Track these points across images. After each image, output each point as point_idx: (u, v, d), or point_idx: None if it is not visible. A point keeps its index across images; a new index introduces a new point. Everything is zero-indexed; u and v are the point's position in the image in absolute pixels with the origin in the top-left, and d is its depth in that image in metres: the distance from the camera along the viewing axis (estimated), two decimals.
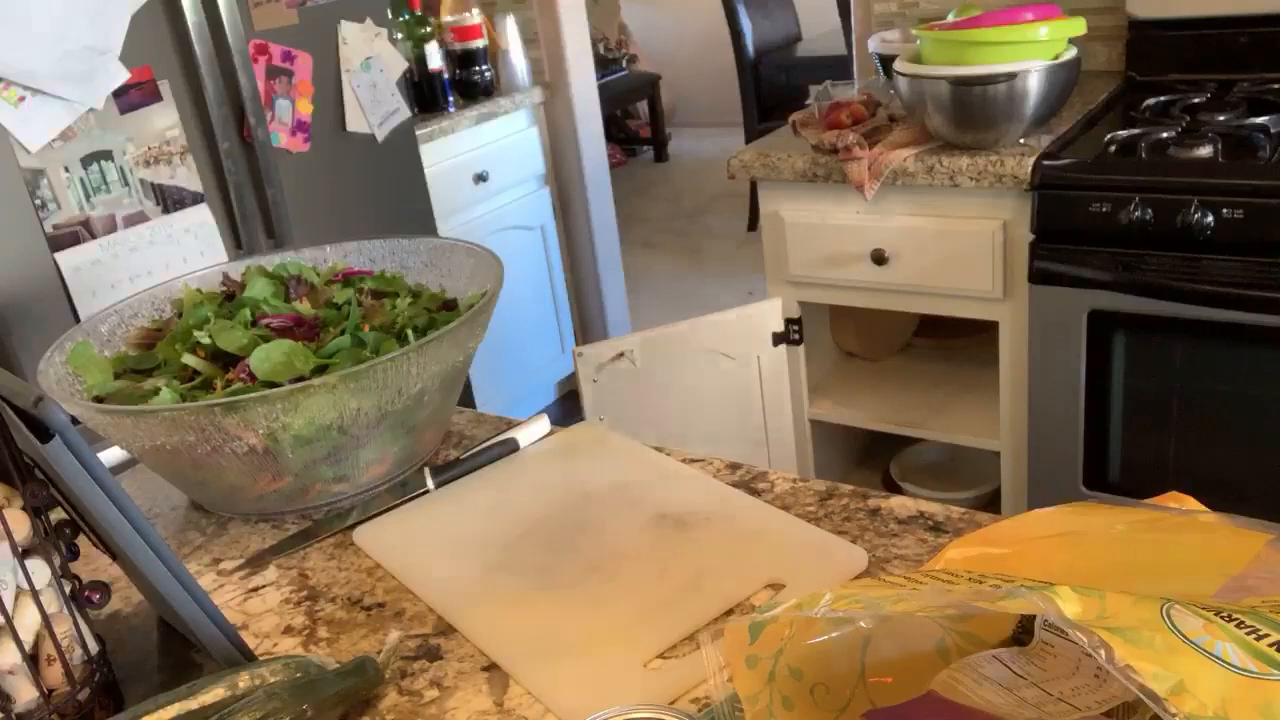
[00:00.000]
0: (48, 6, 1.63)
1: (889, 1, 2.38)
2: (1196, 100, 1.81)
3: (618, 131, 6.04)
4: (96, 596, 0.68)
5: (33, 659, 0.64)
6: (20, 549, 0.63)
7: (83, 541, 0.72)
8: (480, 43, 2.78)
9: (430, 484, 0.92)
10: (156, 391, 0.87)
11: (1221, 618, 0.42)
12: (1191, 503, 0.62)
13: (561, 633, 0.71)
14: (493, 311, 0.94)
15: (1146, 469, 1.73)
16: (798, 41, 4.80)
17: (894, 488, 2.23)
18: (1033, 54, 1.64)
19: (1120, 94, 2.01)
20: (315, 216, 2.11)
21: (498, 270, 0.97)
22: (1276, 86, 1.82)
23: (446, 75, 2.72)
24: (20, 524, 0.63)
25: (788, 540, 0.78)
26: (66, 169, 1.71)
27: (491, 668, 0.70)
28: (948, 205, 1.80)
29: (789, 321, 1.93)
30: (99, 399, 0.90)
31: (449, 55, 2.75)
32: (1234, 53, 1.95)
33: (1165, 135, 1.66)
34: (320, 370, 0.87)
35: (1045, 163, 1.66)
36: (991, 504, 2.13)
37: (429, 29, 2.69)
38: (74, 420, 0.57)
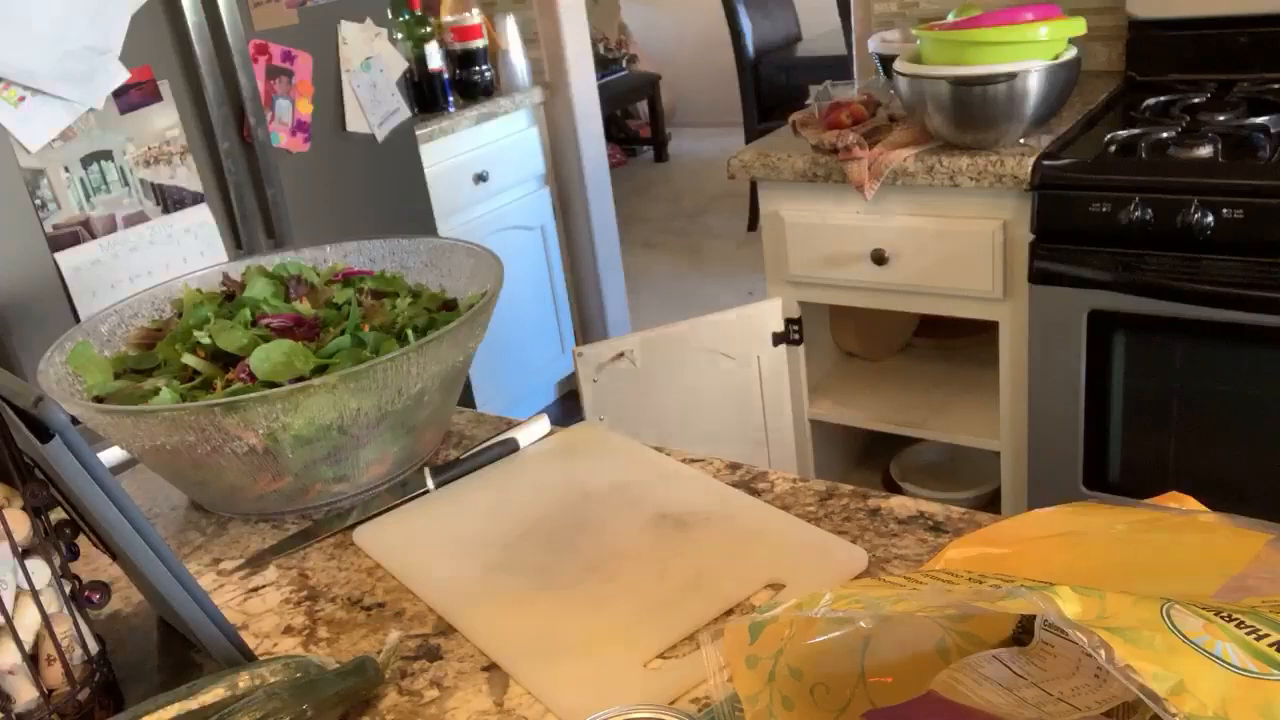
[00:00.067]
0: (48, 6, 1.63)
1: (889, 1, 2.38)
2: (1196, 100, 1.81)
3: (618, 131, 6.04)
4: (96, 596, 0.68)
5: (33, 659, 0.64)
6: (20, 549, 0.63)
7: (83, 541, 0.72)
8: (480, 43, 2.78)
9: (430, 484, 0.92)
10: (156, 391, 0.87)
11: (1221, 618, 0.42)
12: (1191, 503, 0.62)
13: (561, 633, 0.71)
14: (493, 311, 0.94)
15: (1146, 469, 1.73)
16: (798, 41, 4.80)
17: (894, 488, 2.23)
18: (1033, 54, 1.64)
19: (1120, 94, 2.01)
20: (315, 216, 2.11)
21: (498, 270, 0.97)
22: (1276, 86, 1.82)
23: (446, 75, 2.72)
24: (20, 524, 0.63)
25: (788, 540, 0.78)
26: (66, 169, 1.71)
27: (491, 668, 0.70)
28: (948, 205, 1.80)
29: (789, 321, 1.93)
30: (99, 399, 0.90)
31: (449, 55, 2.75)
32: (1234, 53, 1.95)
33: (1165, 135, 1.66)
34: (320, 370, 0.87)
35: (1045, 163, 1.66)
36: (991, 504, 2.13)
37: (429, 29, 2.69)
38: (74, 420, 0.57)
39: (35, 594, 0.63)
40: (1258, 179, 1.50)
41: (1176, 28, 2.00)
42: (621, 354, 1.69)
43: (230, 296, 1.01)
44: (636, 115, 6.22)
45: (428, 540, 0.85)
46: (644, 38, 6.22)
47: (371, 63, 2.19)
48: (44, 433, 0.55)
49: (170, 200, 1.87)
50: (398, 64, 2.26)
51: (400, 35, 2.59)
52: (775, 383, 1.81)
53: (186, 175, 1.89)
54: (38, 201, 1.68)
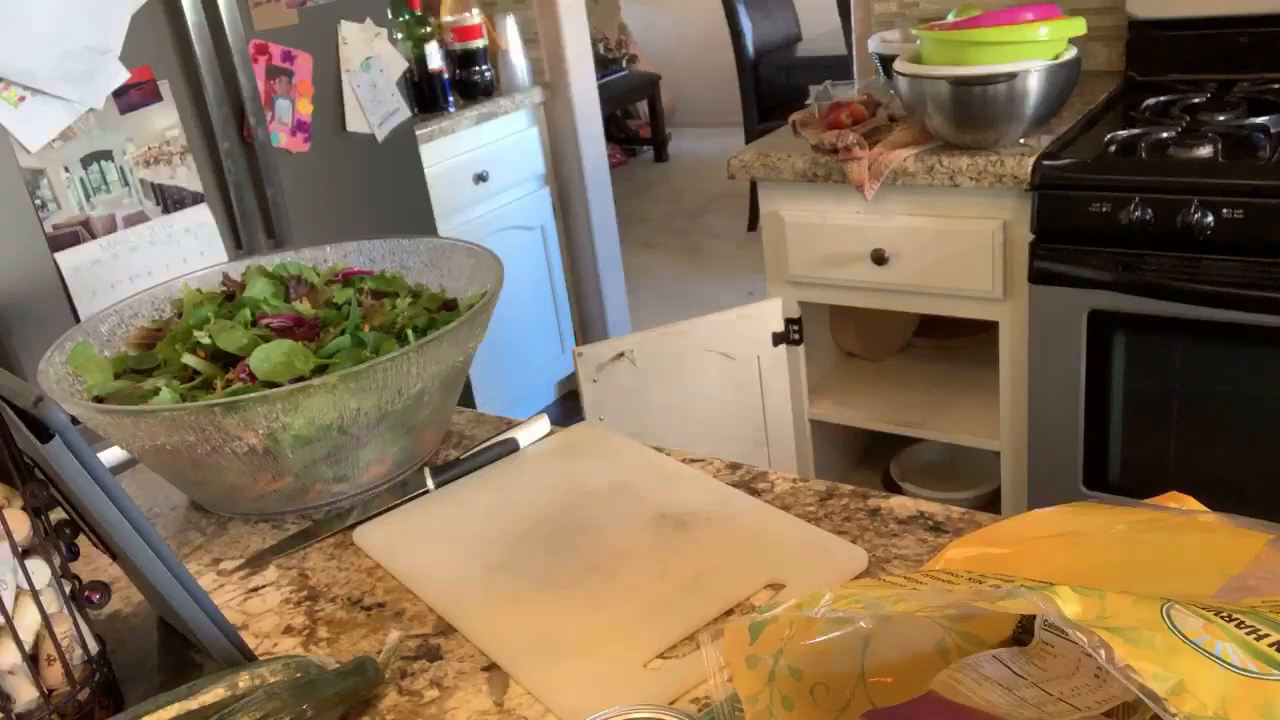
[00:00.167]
0: (48, 6, 1.63)
1: (889, 1, 2.38)
2: (1196, 100, 1.81)
3: (618, 131, 6.04)
4: (96, 596, 0.68)
5: (33, 659, 0.64)
6: (20, 549, 0.63)
7: (83, 541, 0.72)
8: (480, 43, 2.78)
9: (430, 484, 0.92)
10: (156, 391, 0.87)
11: (1221, 618, 0.42)
12: (1191, 503, 0.62)
13: (561, 633, 0.71)
14: (493, 311, 0.94)
15: (1146, 469, 1.73)
16: (798, 41, 4.80)
17: (894, 488, 2.23)
18: (1033, 54, 1.64)
19: (1120, 94, 2.01)
20: (315, 216, 2.11)
21: (498, 270, 0.97)
22: (1276, 86, 1.82)
23: (446, 75, 2.72)
24: (20, 524, 0.63)
25: (788, 540, 0.78)
26: (66, 169, 1.71)
27: (491, 668, 0.70)
28: (948, 205, 1.80)
29: (789, 321, 1.93)
30: (99, 399, 0.90)
31: (449, 55, 2.75)
32: (1234, 53, 1.95)
33: (1165, 135, 1.66)
34: (320, 370, 0.88)
35: (1045, 163, 1.66)
36: (991, 504, 2.13)
37: (429, 29, 2.69)
38: (74, 420, 0.57)
39: (35, 594, 0.63)
40: (1258, 179, 1.50)
41: (1176, 28, 2.00)
42: (621, 354, 1.69)
43: (230, 296, 1.01)
44: (636, 115, 6.22)
45: (428, 540, 0.85)
46: (644, 38, 6.22)
47: (371, 63, 2.19)
48: (44, 433, 0.55)
49: (170, 200, 1.87)
50: (398, 64, 2.26)
51: (400, 35, 2.59)
52: (775, 383, 1.81)
53: (186, 175, 1.89)
54: (38, 201, 1.68)
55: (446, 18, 2.77)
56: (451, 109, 2.70)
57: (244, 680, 0.62)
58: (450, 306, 1.00)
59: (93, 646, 0.68)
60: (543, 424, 1.00)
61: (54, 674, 0.65)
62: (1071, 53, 1.68)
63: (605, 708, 0.55)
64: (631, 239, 4.60)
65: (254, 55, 1.96)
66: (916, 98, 1.75)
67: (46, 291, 1.71)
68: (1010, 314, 1.82)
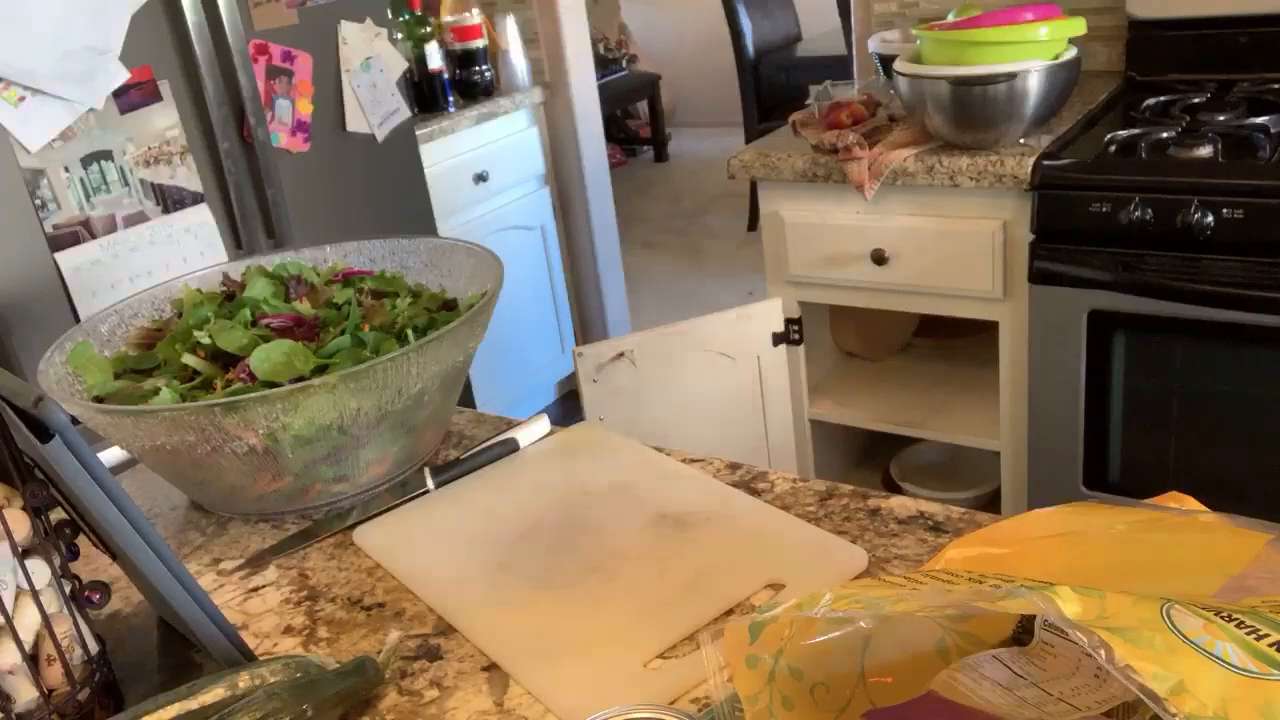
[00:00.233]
0: (48, 6, 1.63)
1: (889, 1, 2.38)
2: (1196, 100, 1.81)
3: (618, 131, 6.04)
4: (96, 596, 0.68)
5: (33, 659, 0.64)
6: (20, 549, 0.63)
7: (83, 541, 0.72)
8: (480, 43, 2.78)
9: (430, 484, 0.92)
10: (156, 391, 0.87)
11: (1221, 618, 0.42)
12: (1191, 503, 0.62)
13: (561, 633, 0.71)
14: (493, 311, 0.94)
15: (1146, 469, 1.73)
16: (798, 41, 4.80)
17: (894, 488, 2.23)
18: (1033, 54, 1.64)
19: (1120, 94, 2.01)
20: (315, 216, 2.11)
21: (498, 270, 0.97)
22: (1276, 86, 1.82)
23: (446, 75, 2.72)
24: (20, 524, 0.63)
25: (788, 540, 0.78)
26: (66, 169, 1.71)
27: (491, 668, 0.70)
28: (948, 205, 1.80)
29: (789, 321, 1.93)
30: (99, 399, 0.90)
31: (449, 55, 2.75)
32: (1234, 53, 1.95)
33: (1165, 135, 1.66)
34: (320, 370, 0.88)
35: (1045, 163, 1.66)
36: (991, 504, 2.13)
37: (429, 29, 2.69)
38: (74, 420, 0.57)
39: (35, 594, 0.63)
40: (1258, 179, 1.50)
41: (1176, 28, 2.00)
42: (621, 354, 1.69)
43: (230, 296, 1.01)
44: (636, 115, 6.22)
45: (428, 540, 0.85)
46: (644, 38, 6.22)
47: (371, 63, 2.19)
48: (44, 433, 0.55)
49: (170, 200, 1.87)
50: (398, 64, 2.26)
51: (400, 35, 2.59)
52: (775, 383, 1.81)
53: (186, 175, 1.89)
54: (38, 201, 1.68)
55: (446, 18, 2.77)
56: (451, 109, 2.70)
57: (244, 680, 0.62)
58: (450, 306, 1.00)
59: (93, 646, 0.68)
60: (543, 424, 1.00)
61: (54, 674, 0.65)
62: (1071, 53, 1.68)
63: (605, 708, 0.55)
64: (631, 239, 4.60)
65: (254, 55, 1.96)
66: (916, 98, 1.75)
67: (46, 291, 1.71)
68: (1010, 314, 1.82)
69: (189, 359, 0.90)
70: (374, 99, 2.20)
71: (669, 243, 4.70)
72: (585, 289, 3.25)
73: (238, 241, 1.98)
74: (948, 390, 2.17)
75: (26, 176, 1.67)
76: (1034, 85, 1.64)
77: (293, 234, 2.04)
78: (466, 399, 2.61)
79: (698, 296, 4.00)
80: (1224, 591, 0.49)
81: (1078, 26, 1.66)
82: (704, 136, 6.36)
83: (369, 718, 0.66)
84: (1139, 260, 1.60)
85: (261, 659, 0.65)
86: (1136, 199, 1.57)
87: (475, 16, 2.77)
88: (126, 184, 1.80)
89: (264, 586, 0.83)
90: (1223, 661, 0.40)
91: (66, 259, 1.73)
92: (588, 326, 3.31)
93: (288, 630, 0.77)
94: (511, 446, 0.96)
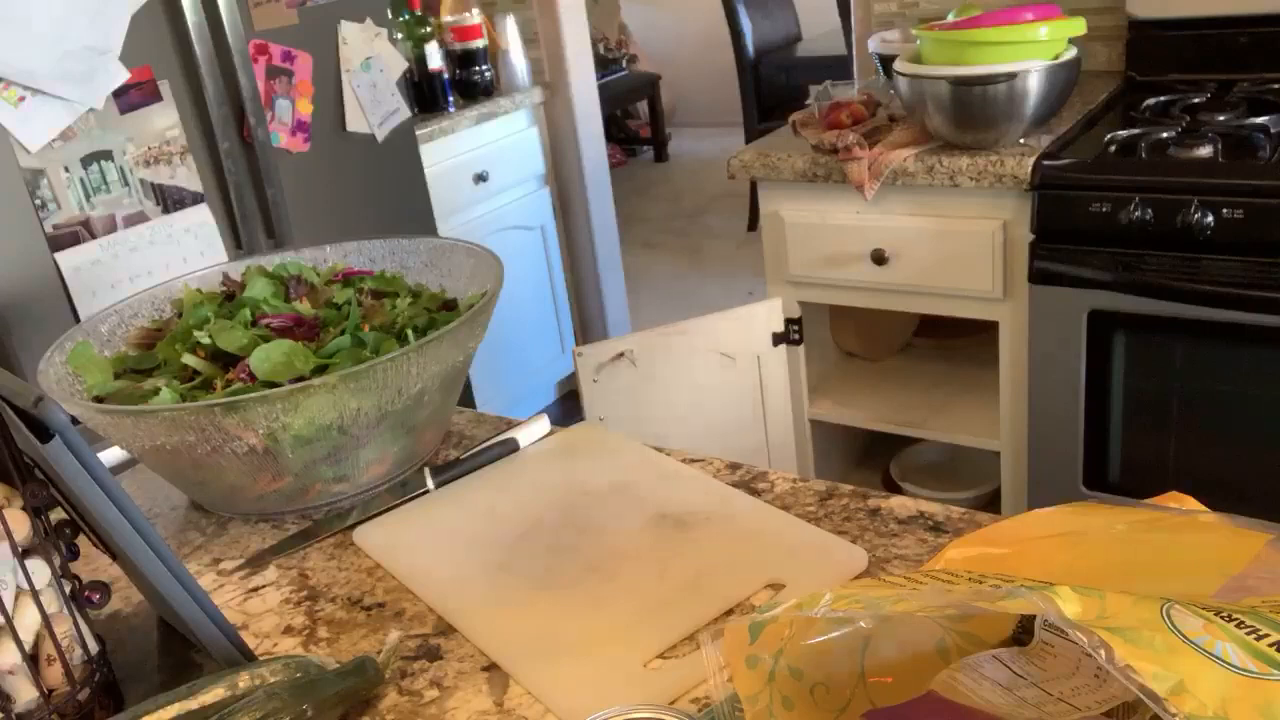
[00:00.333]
0: (48, 6, 1.63)
1: (889, 1, 2.38)
2: (1196, 100, 1.81)
3: (618, 131, 6.04)
4: (96, 596, 0.68)
5: (33, 659, 0.64)
6: (20, 549, 0.63)
7: (83, 541, 0.72)
8: (480, 43, 2.78)
9: (430, 484, 0.92)
10: (156, 391, 0.87)
11: (1221, 618, 0.42)
12: (1191, 503, 0.62)
13: (561, 633, 0.71)
14: (493, 311, 0.94)
15: (1146, 469, 1.73)
16: (798, 41, 4.80)
17: (894, 488, 2.23)
18: (1033, 54, 1.64)
19: (1120, 94, 2.01)
20: (315, 216, 2.11)
21: (498, 270, 0.97)
22: (1276, 86, 1.82)
23: (446, 75, 2.72)
24: (20, 524, 0.63)
25: (788, 540, 0.78)
26: (66, 169, 1.71)
27: (491, 668, 0.70)
28: (948, 205, 1.80)
29: (789, 321, 1.93)
30: (99, 399, 0.90)
31: (449, 55, 2.75)
32: (1234, 53, 1.95)
33: (1165, 135, 1.66)
34: (320, 370, 0.88)
35: (1045, 163, 1.66)
36: (991, 504, 2.13)
37: (429, 29, 2.69)
38: (74, 420, 0.57)
39: (35, 594, 0.63)
40: (1258, 179, 1.50)
41: (1176, 28, 2.00)
42: (621, 354, 1.69)
43: (230, 296, 1.01)
44: (636, 115, 6.22)
45: (428, 540, 0.85)
46: (644, 38, 6.22)
47: (371, 63, 2.19)
48: (44, 433, 0.55)
49: (170, 200, 1.87)
50: (398, 64, 2.26)
51: (400, 35, 2.59)
52: (775, 383, 1.81)
53: (186, 175, 1.89)
54: (38, 201, 1.68)
55: (446, 18, 2.77)
56: (451, 109, 2.70)
57: (244, 680, 0.62)
58: (450, 306, 1.00)
59: (93, 646, 0.68)
60: (543, 424, 1.00)
61: (54, 674, 0.65)
62: (1071, 53, 1.68)
63: (605, 708, 0.55)
64: (631, 239, 4.60)
65: (254, 55, 1.96)
66: (916, 98, 1.75)
67: (46, 291, 1.71)
68: (1010, 314, 1.82)
69: (189, 359, 0.90)
70: (374, 99, 2.20)
71: (669, 243, 4.70)
72: (585, 289, 3.25)
73: (238, 241, 1.98)
74: (948, 390, 2.17)
75: (26, 176, 1.67)
76: (1034, 85, 1.64)
77: (293, 234, 2.04)
78: (466, 399, 2.61)
79: (698, 296, 4.00)
80: (1224, 591, 0.49)
81: (1078, 26, 1.66)
82: (704, 136, 6.37)
83: (369, 718, 0.66)
84: (1139, 260, 1.60)
85: (261, 659, 0.65)
86: (1136, 199, 1.57)
87: (475, 16, 2.77)
88: (126, 184, 1.80)
89: (264, 586, 0.83)
90: (1223, 661, 0.40)
91: (66, 259, 1.73)
92: (588, 326, 3.31)
93: (288, 630, 0.77)
94: (511, 446, 0.96)
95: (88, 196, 1.75)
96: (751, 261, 4.24)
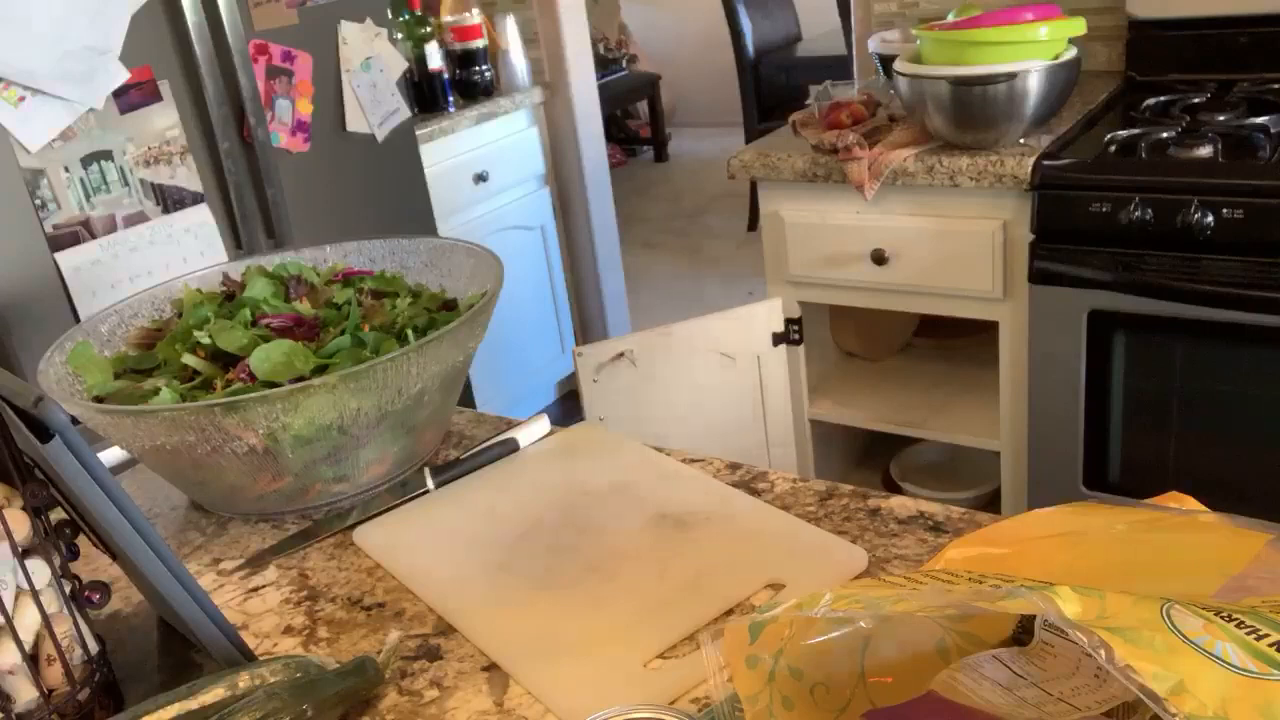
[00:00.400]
0: (48, 6, 1.63)
1: (889, 1, 2.38)
2: (1196, 100, 1.81)
3: (618, 131, 6.04)
4: (96, 596, 0.68)
5: (33, 659, 0.64)
6: (20, 549, 0.63)
7: (83, 541, 0.72)
8: (480, 43, 2.78)
9: (430, 484, 0.92)
10: (156, 391, 0.87)
11: (1221, 618, 0.42)
12: (1191, 503, 0.62)
13: (561, 633, 0.71)
14: (493, 311, 0.94)
15: (1146, 469, 1.73)
16: (798, 41, 4.80)
17: (894, 488, 2.23)
18: (1033, 54, 1.64)
19: (1120, 94, 2.01)
20: (315, 216, 2.11)
21: (498, 270, 0.97)
22: (1276, 86, 1.82)
23: (446, 75, 2.72)
24: (20, 524, 0.63)
25: (788, 540, 0.78)
26: (66, 169, 1.71)
27: (491, 668, 0.70)
28: (948, 205, 1.80)
29: (789, 321, 1.93)
30: (99, 399, 0.90)
31: (449, 55, 2.75)
32: (1234, 53, 1.95)
33: (1165, 135, 1.66)
34: (320, 370, 0.88)
35: (1045, 163, 1.66)
36: (991, 504, 2.13)
37: (429, 29, 2.69)
38: (74, 420, 0.57)
39: (35, 594, 0.63)
40: (1258, 179, 1.50)
41: (1176, 28, 2.00)
42: (621, 354, 1.69)
43: (230, 296, 1.01)
44: (636, 115, 6.22)
45: (428, 540, 0.85)
46: (644, 38, 6.22)
47: (371, 63, 2.19)
48: (44, 433, 0.55)
49: (170, 200, 1.87)
50: (398, 64, 2.26)
51: (400, 35, 2.59)
52: (775, 383, 1.81)
53: (186, 175, 1.89)
54: (38, 201, 1.68)
55: (446, 18, 2.77)
56: (451, 109, 2.70)
57: (244, 680, 0.62)
58: (450, 306, 1.00)
59: (93, 646, 0.68)
60: (543, 424, 1.00)
61: (54, 674, 0.65)
62: (1071, 53, 1.68)
63: (605, 708, 0.55)
64: (631, 239, 4.60)
65: (254, 55, 1.96)
66: (916, 98, 1.75)
67: (46, 291, 1.71)
68: (1010, 314, 1.82)
69: (189, 359, 0.90)
70: (374, 99, 2.20)
71: (669, 243, 4.70)
72: (585, 289, 3.25)
73: (238, 241, 1.98)
74: (948, 390, 2.17)
75: (26, 176, 1.67)
76: (1034, 85, 1.64)
77: (293, 234, 2.04)
78: (466, 399, 2.61)
79: (698, 296, 4.00)
80: (1224, 591, 0.49)
81: (1078, 26, 1.66)
82: (704, 136, 6.37)
83: (369, 718, 0.66)
84: (1139, 260, 1.60)
85: (261, 659, 0.65)
86: (1136, 199, 1.57)
87: (475, 16, 2.77)
88: (126, 184, 1.80)
89: (264, 586, 0.83)
90: (1223, 661, 0.40)
91: (66, 259, 1.73)
92: (588, 326, 3.31)
93: (288, 630, 0.77)
94: (511, 446, 0.96)
95: (88, 196, 1.75)
96: (751, 261, 4.24)
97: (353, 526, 0.89)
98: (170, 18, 1.83)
